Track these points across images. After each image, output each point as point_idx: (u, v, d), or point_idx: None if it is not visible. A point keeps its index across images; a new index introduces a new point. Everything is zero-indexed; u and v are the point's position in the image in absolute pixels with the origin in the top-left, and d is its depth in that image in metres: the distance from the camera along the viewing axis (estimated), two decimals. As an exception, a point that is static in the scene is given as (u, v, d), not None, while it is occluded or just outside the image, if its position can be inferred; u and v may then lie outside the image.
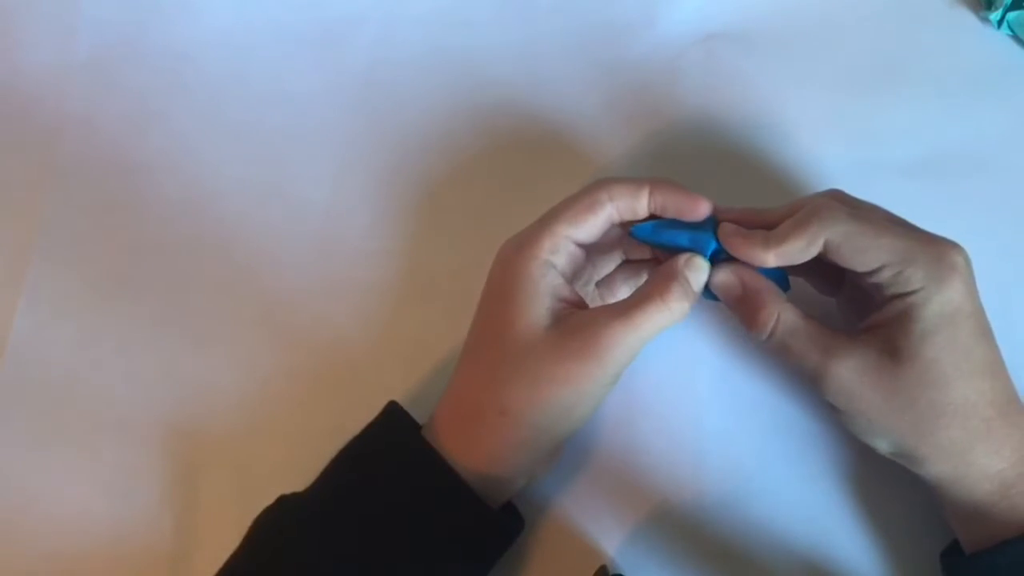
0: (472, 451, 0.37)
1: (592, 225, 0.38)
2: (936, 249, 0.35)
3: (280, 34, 0.49)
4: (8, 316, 0.45)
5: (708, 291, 0.38)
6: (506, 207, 0.46)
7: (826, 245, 0.35)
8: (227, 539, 0.38)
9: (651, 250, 0.41)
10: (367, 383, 0.44)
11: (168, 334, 0.45)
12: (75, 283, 0.46)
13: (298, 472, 0.39)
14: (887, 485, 0.40)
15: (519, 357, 0.36)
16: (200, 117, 0.48)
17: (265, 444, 0.43)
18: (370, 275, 0.45)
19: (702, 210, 0.37)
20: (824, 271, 0.39)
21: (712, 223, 0.37)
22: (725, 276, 0.37)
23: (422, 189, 0.46)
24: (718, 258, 0.37)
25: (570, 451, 0.41)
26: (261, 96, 0.48)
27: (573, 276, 0.39)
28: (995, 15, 0.46)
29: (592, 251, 0.40)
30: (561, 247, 0.37)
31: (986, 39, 0.46)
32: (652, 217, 0.38)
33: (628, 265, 0.42)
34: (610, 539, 0.41)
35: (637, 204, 0.37)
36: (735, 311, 0.37)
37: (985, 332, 0.35)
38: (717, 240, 0.37)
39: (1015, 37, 0.46)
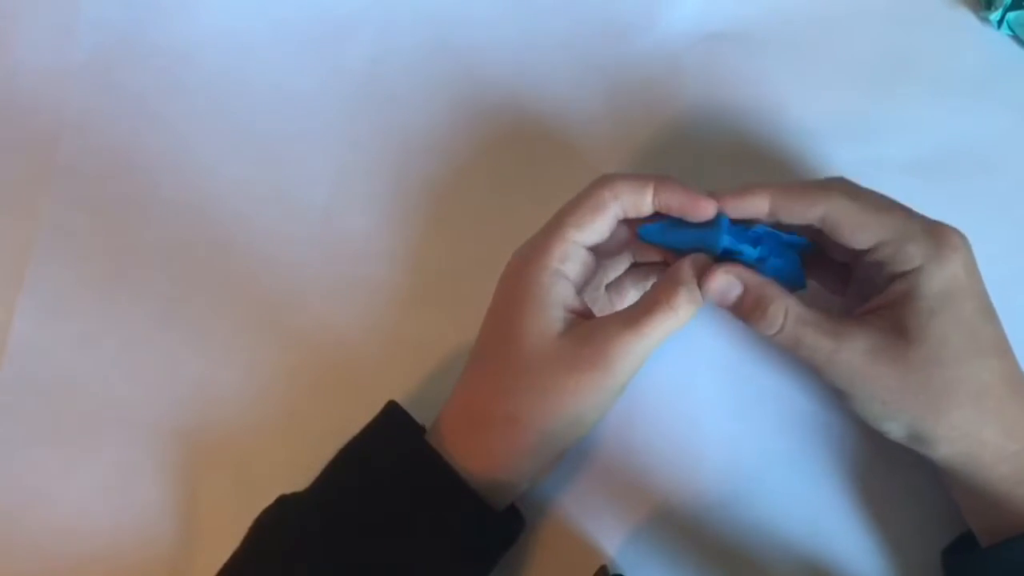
0: (479, 457, 0.37)
1: (599, 226, 0.37)
2: (935, 229, 0.35)
3: (280, 34, 0.49)
4: (8, 316, 0.45)
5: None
6: (507, 207, 0.46)
7: (826, 220, 0.35)
8: (227, 539, 0.38)
9: (660, 251, 0.40)
10: (367, 383, 0.44)
11: (168, 334, 0.45)
12: (75, 283, 0.46)
13: (298, 472, 0.39)
14: (888, 485, 0.40)
15: (529, 367, 0.36)
16: (200, 117, 0.48)
17: (265, 444, 0.43)
18: (371, 275, 0.45)
19: (706, 211, 0.37)
20: (832, 268, 0.39)
21: (723, 221, 0.37)
22: (720, 281, 0.36)
23: (422, 188, 0.46)
24: (729, 257, 0.37)
25: (570, 451, 0.41)
26: (261, 96, 0.48)
27: (584, 282, 0.39)
28: (995, 15, 0.46)
29: (601, 254, 0.40)
30: (571, 254, 0.37)
31: (986, 39, 0.46)
32: (658, 215, 0.38)
33: (637, 268, 0.41)
34: (610, 539, 0.41)
35: (641, 201, 0.37)
36: (736, 311, 0.37)
37: (991, 312, 0.35)
38: (726, 239, 0.36)
39: (1015, 37, 0.46)
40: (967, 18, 0.47)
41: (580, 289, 0.38)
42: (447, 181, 0.47)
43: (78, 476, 0.43)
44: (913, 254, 0.34)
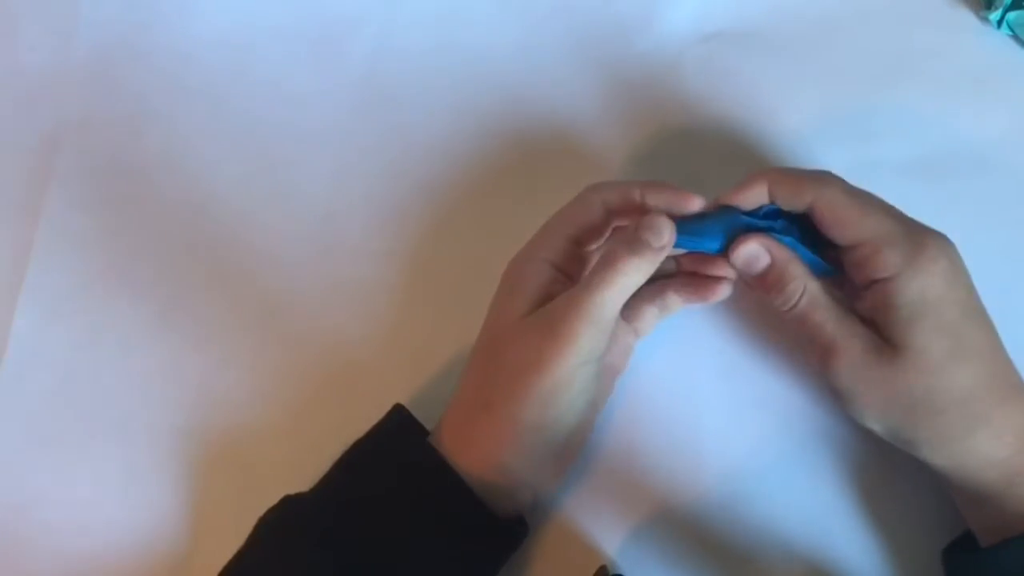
0: (470, 453, 0.37)
1: (584, 219, 0.38)
2: (918, 236, 0.35)
3: (280, 34, 0.49)
4: (8, 316, 0.45)
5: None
6: (507, 206, 0.46)
7: (813, 209, 0.36)
8: (230, 539, 0.38)
9: (674, 263, 0.40)
10: (369, 383, 0.44)
11: (169, 334, 0.45)
12: (75, 283, 0.46)
13: (301, 473, 0.39)
14: (888, 485, 0.40)
15: (500, 351, 0.37)
16: (200, 117, 0.48)
17: (268, 444, 0.43)
18: (372, 275, 0.45)
19: (692, 203, 0.37)
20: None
21: (733, 211, 0.37)
22: (752, 247, 0.36)
23: (422, 188, 0.46)
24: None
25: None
26: (261, 96, 0.48)
27: (568, 265, 0.39)
28: (995, 15, 0.46)
29: (627, 312, 0.40)
30: (554, 244, 0.38)
31: (986, 39, 0.46)
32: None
33: (652, 285, 0.40)
34: (610, 539, 0.41)
35: (628, 194, 0.38)
36: (757, 282, 0.37)
37: (976, 316, 0.35)
38: (744, 219, 0.37)
39: (1015, 37, 0.46)
40: (967, 18, 0.47)
41: (565, 271, 0.38)
42: (447, 181, 0.47)
43: (78, 476, 0.43)
44: (889, 261, 0.34)
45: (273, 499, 0.39)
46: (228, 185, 0.47)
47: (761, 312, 0.43)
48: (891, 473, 0.40)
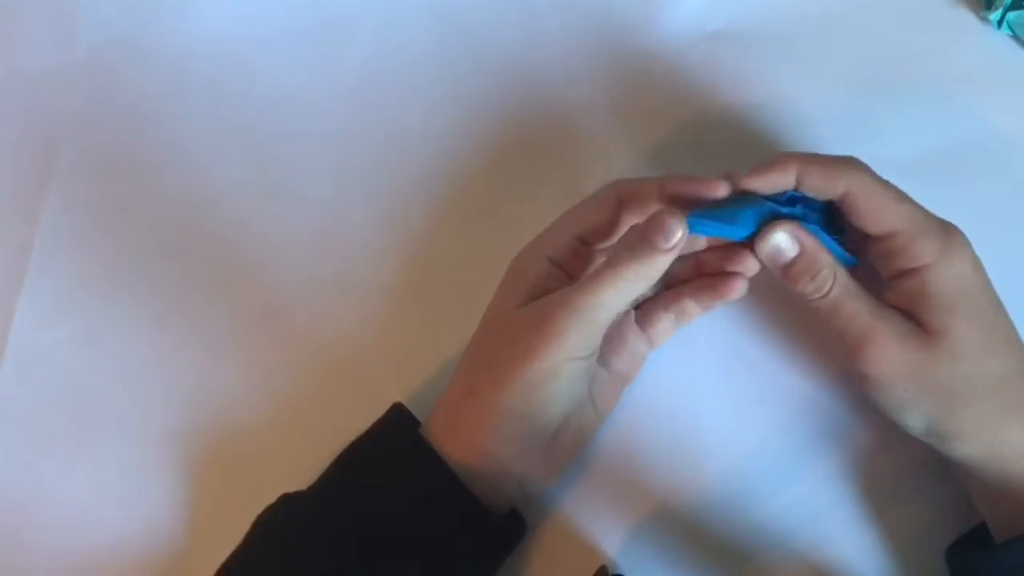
0: (454, 439, 0.37)
1: (594, 218, 0.38)
2: (946, 226, 0.35)
3: (279, 34, 0.49)
4: (8, 316, 0.45)
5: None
6: (507, 205, 0.46)
7: (846, 198, 0.35)
8: (228, 537, 0.38)
9: (692, 265, 0.40)
10: (368, 382, 0.44)
11: (169, 334, 0.45)
12: (75, 283, 0.46)
13: (300, 471, 0.39)
14: (889, 485, 0.40)
15: (488, 340, 0.37)
16: (200, 117, 0.48)
17: (266, 443, 0.43)
18: (371, 274, 0.45)
19: (716, 189, 0.36)
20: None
21: (755, 196, 0.36)
22: (782, 236, 0.36)
23: (422, 187, 0.46)
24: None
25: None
26: (261, 95, 0.48)
27: (569, 261, 0.39)
28: (995, 15, 0.46)
29: (643, 318, 0.40)
30: (558, 241, 0.38)
31: (986, 39, 0.46)
32: (693, 204, 0.37)
33: (667, 292, 0.40)
34: (610, 539, 0.41)
35: (645, 191, 0.37)
36: (784, 272, 0.36)
37: (1001, 307, 0.36)
38: (768, 204, 0.36)
39: (1015, 37, 0.46)
40: (967, 18, 0.47)
41: (565, 266, 0.38)
42: (447, 180, 0.47)
43: (78, 476, 0.43)
44: (925, 250, 0.34)
45: (271, 498, 0.39)
46: (228, 184, 0.47)
47: (764, 310, 0.43)
48: (893, 473, 0.40)
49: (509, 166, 0.47)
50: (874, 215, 0.35)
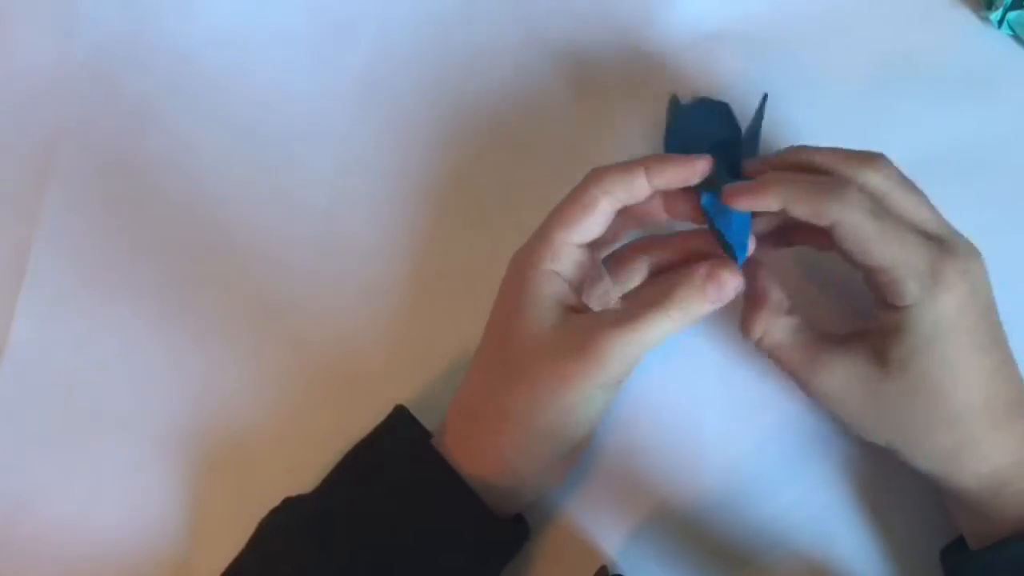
0: (476, 457, 0.37)
1: (591, 224, 0.37)
2: (940, 261, 0.34)
3: (280, 34, 0.49)
4: (8, 316, 0.45)
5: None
6: (507, 206, 0.46)
7: (834, 230, 0.34)
8: (232, 541, 0.38)
9: (680, 250, 0.40)
10: (371, 384, 0.44)
11: (170, 334, 0.45)
12: (75, 283, 0.46)
13: (303, 474, 0.39)
14: (888, 485, 0.41)
15: (520, 362, 0.36)
16: (200, 117, 0.48)
17: (269, 445, 0.43)
18: (373, 276, 0.45)
19: (700, 167, 0.36)
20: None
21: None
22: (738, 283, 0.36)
23: (423, 188, 0.46)
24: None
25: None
26: (261, 96, 0.48)
27: (580, 279, 0.38)
28: (995, 15, 0.46)
29: (616, 267, 0.40)
30: (563, 253, 0.37)
31: (986, 39, 0.46)
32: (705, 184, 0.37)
33: (655, 279, 0.40)
34: (611, 540, 0.41)
35: (633, 189, 0.37)
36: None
37: (986, 343, 0.35)
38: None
39: (1015, 37, 0.46)
40: (967, 18, 0.47)
41: (577, 286, 0.38)
42: (448, 181, 0.47)
43: (78, 476, 0.43)
44: (907, 291, 0.34)
45: (274, 501, 0.39)
46: (228, 184, 0.47)
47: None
48: (891, 473, 0.40)
49: (508, 167, 0.47)
50: (859, 251, 0.34)
